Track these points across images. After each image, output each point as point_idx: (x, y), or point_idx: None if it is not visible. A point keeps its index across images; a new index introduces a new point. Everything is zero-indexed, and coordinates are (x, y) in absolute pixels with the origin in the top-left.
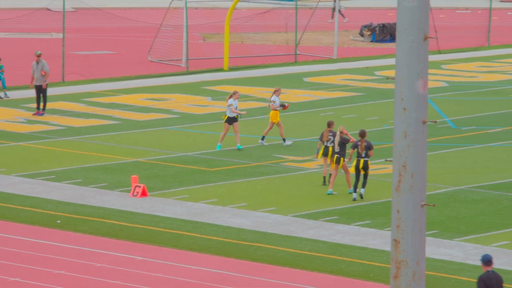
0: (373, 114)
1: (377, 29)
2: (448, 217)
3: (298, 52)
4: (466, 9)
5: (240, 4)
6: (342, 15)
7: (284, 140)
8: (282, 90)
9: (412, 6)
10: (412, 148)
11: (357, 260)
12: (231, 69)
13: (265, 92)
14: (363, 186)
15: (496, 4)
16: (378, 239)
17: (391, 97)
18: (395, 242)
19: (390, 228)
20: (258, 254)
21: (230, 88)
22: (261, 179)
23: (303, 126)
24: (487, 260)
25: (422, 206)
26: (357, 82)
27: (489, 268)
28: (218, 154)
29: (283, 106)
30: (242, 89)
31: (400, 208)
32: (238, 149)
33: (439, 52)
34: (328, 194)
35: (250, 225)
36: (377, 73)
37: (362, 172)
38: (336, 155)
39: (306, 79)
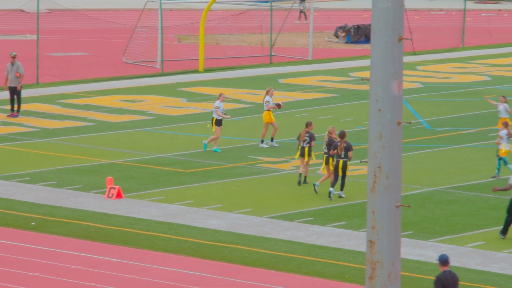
0: (348, 115)
1: (352, 30)
2: (423, 218)
3: (273, 54)
4: (441, 10)
5: (215, 6)
6: (305, 15)
7: (262, 141)
8: (257, 91)
9: (386, 7)
10: (387, 149)
11: (333, 261)
12: (206, 70)
13: (241, 93)
14: (342, 187)
15: (471, 5)
16: (353, 240)
17: (366, 98)
18: (371, 243)
19: (365, 229)
20: (234, 256)
21: (205, 90)
22: (236, 181)
23: (279, 127)
24: (444, 260)
25: (397, 207)
26: (332, 83)
27: (446, 268)
28: (193, 155)
29: (278, 105)
30: (218, 91)
31: (375, 209)
32: (215, 152)
33: (414, 53)
34: (314, 184)
35: (226, 227)
36: (352, 74)
37: (340, 173)
38: (325, 155)
39: (281, 81)
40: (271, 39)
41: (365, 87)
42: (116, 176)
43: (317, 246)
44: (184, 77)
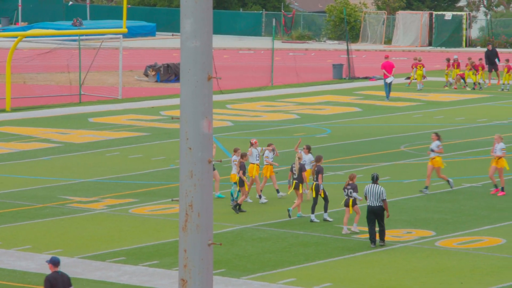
0: (159, 154)
1: (161, 69)
2: (235, 255)
3: (82, 93)
4: (249, 49)
5: (21, 44)
6: None
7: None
8: (67, 130)
9: (195, 47)
10: (198, 188)
11: None
12: (14, 110)
13: (50, 133)
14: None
15: (278, 45)
16: (166, 279)
17: (177, 137)
18: (183, 281)
19: (178, 268)
20: None
21: (13, 129)
22: (46, 221)
23: (89, 167)
24: (54, 261)
25: (209, 245)
26: (143, 122)
27: (56, 269)
28: (0, 196)
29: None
30: (26, 130)
31: (187, 248)
32: (218, 197)
33: (221, 92)
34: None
35: (36, 268)
36: (162, 113)
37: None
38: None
39: (91, 120)
40: (80, 78)
41: (176, 125)
42: None
43: (130, 285)
44: None
